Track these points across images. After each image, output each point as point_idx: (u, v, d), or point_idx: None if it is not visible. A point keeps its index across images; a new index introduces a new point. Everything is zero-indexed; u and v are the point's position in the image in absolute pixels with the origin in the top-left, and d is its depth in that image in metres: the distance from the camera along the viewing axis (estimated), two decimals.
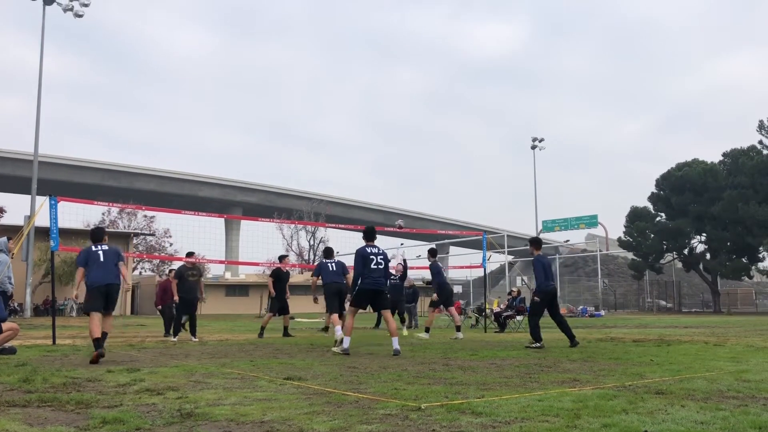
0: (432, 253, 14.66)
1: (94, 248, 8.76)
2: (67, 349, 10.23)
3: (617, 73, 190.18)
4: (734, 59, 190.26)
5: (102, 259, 8.65)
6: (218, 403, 4.70)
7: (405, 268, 16.87)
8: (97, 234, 9.09)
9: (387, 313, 9.66)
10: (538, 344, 10.21)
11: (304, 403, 4.67)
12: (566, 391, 5.24)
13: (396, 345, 8.99)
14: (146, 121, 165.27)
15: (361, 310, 9.85)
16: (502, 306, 18.61)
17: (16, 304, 35.27)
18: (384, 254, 9.71)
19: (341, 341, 9.33)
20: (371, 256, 9.48)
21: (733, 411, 4.27)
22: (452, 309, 14.50)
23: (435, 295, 14.10)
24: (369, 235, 9.88)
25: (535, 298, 10.71)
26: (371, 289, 9.38)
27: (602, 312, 44.45)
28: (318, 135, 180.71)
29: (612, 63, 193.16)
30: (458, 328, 13.86)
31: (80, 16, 35.60)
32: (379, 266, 9.50)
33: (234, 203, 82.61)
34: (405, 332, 15.36)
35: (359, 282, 9.36)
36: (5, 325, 7.26)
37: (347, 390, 5.36)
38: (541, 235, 59.17)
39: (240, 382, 5.89)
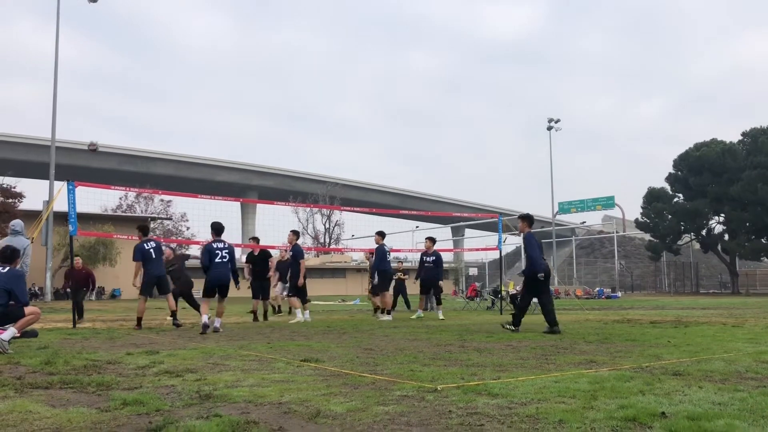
0: (380, 234, 14.78)
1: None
2: (87, 332, 10.36)
3: (634, 54, 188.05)
4: (754, 38, 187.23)
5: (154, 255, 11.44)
6: (236, 384, 4.75)
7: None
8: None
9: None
10: (515, 328, 9.82)
11: (322, 385, 4.71)
12: (583, 372, 5.23)
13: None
14: (163, 107, 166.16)
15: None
16: (518, 288, 18.58)
17: (36, 288, 35.78)
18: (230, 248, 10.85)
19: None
20: (216, 251, 10.63)
21: (752, 392, 4.24)
22: (387, 294, 14.68)
23: (375, 280, 14.47)
24: (218, 231, 10.95)
25: (540, 276, 9.97)
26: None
27: (619, 293, 44.30)
28: (333, 119, 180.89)
29: (629, 44, 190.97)
30: (383, 311, 14.28)
31: (94, 1, 35.66)
32: (223, 260, 10.62)
33: (251, 187, 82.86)
34: (422, 315, 15.41)
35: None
36: (27, 309, 7.36)
37: (364, 372, 5.39)
38: (558, 217, 58.96)
39: (258, 364, 5.94)
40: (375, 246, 14.82)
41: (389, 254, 14.88)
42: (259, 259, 14.34)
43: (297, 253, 13.35)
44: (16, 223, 10.31)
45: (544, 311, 9.87)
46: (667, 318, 13.51)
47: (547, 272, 10.12)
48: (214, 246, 10.68)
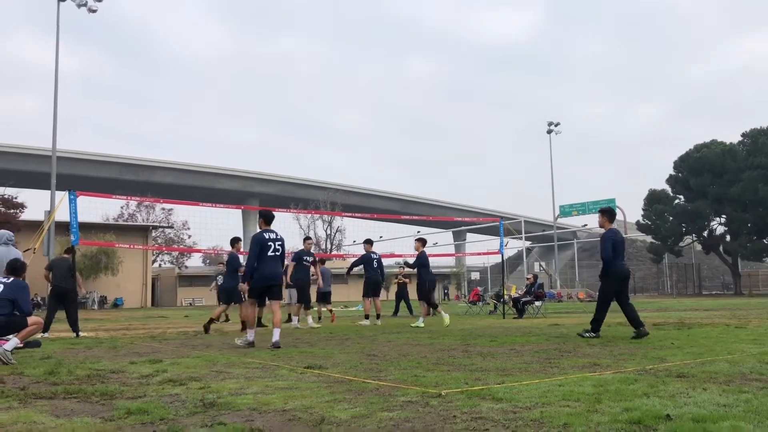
0: (368, 242, 15.20)
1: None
2: (90, 341, 10.36)
3: (632, 58, 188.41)
4: (751, 40, 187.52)
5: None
6: (240, 392, 4.75)
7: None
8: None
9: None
10: (594, 334, 8.96)
11: (325, 392, 4.70)
12: (586, 375, 5.23)
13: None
14: (162, 116, 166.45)
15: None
16: (520, 292, 18.57)
17: (39, 298, 35.76)
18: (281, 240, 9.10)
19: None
20: (269, 242, 8.89)
21: (756, 393, 4.24)
22: (377, 300, 14.83)
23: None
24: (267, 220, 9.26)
25: (604, 279, 9.23)
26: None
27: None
28: (333, 126, 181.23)
29: (627, 48, 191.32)
30: (373, 317, 14.39)
31: (94, 11, 35.65)
32: (276, 253, 8.91)
33: (252, 194, 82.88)
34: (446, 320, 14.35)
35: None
36: (30, 320, 7.37)
37: (367, 378, 5.38)
38: (559, 220, 58.91)
39: (261, 372, 5.94)
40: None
41: (375, 262, 14.92)
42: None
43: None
44: (5, 233, 9.70)
45: (629, 317, 9.00)
46: (670, 320, 13.49)
47: (619, 274, 9.20)
48: (266, 236, 8.90)
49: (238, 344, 8.92)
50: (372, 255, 14.89)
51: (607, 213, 9.58)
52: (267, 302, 9.60)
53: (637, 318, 8.93)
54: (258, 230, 9.23)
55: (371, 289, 14.78)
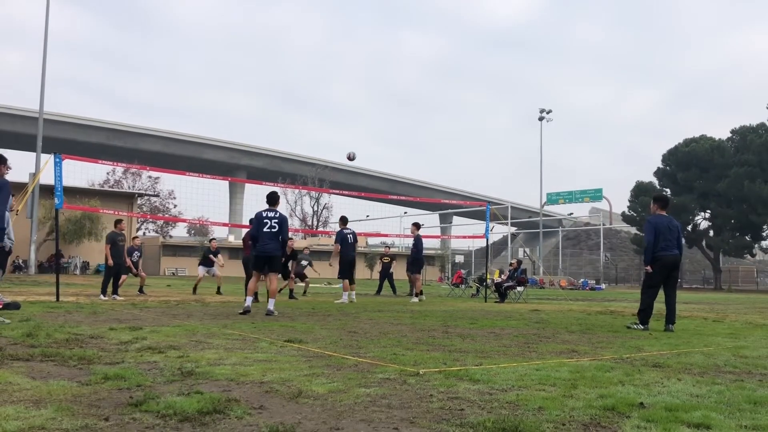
0: (342, 220, 15.39)
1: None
2: (71, 306, 10.32)
3: (630, 46, 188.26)
4: (749, 34, 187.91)
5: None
6: (219, 362, 4.75)
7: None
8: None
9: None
10: (642, 326, 8.48)
11: (304, 366, 4.72)
12: (564, 361, 5.27)
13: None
14: (152, 82, 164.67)
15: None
16: (503, 276, 18.68)
17: (20, 261, 35.54)
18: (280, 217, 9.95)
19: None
20: (265, 220, 9.84)
21: (729, 386, 4.30)
22: (346, 282, 14.85)
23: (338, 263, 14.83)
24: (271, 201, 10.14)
25: (647, 268, 8.70)
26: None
27: (603, 285, 44.60)
28: (324, 101, 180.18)
29: (625, 35, 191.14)
30: (350, 294, 14.52)
31: None
32: (272, 230, 9.79)
33: (239, 167, 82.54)
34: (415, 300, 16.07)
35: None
36: None
37: (347, 354, 5.40)
38: (546, 207, 59.17)
39: (241, 343, 5.94)
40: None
41: (351, 237, 15.15)
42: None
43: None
44: None
45: (668, 305, 8.68)
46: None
47: (667, 263, 8.65)
48: (264, 214, 9.92)
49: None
50: (345, 231, 15.02)
51: (659, 200, 9.16)
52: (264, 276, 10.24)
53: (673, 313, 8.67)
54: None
55: (347, 269, 14.77)
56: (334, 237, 16.00)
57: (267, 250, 9.80)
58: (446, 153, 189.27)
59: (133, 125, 75.61)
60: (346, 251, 14.82)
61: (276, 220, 9.81)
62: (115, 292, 13.24)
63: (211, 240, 22.24)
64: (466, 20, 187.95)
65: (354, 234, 15.30)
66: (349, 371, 4.53)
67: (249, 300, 9.90)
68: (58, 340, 5.74)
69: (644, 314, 8.58)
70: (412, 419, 3.19)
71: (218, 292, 16.69)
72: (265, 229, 9.76)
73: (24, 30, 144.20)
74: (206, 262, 17.49)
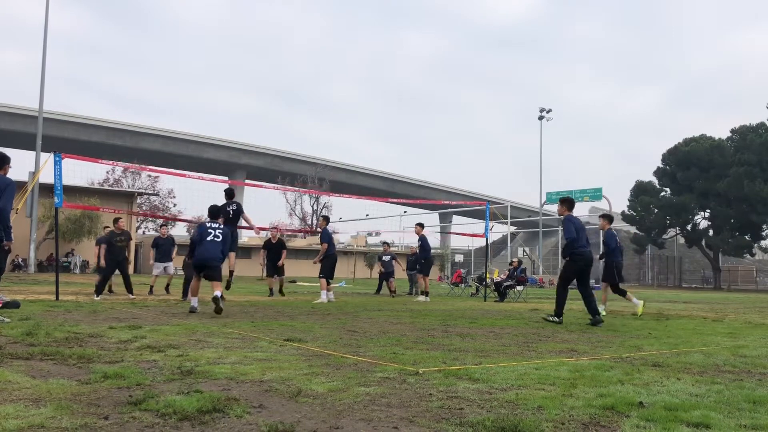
0: (324, 218, 15.43)
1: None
2: (70, 305, 10.31)
3: (630, 45, 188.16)
4: (750, 33, 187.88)
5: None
6: (218, 361, 4.75)
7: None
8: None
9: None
10: (557, 319, 9.17)
11: (304, 365, 4.72)
12: (563, 360, 5.27)
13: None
14: (152, 80, 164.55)
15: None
16: (502, 276, 18.68)
17: (20, 259, 35.52)
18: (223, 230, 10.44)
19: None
20: (209, 230, 10.29)
21: (728, 385, 4.30)
22: (324, 281, 14.62)
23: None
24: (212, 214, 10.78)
25: (567, 259, 9.36)
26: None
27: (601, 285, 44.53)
28: (324, 100, 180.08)
29: (625, 34, 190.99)
30: (327, 294, 14.30)
31: None
32: (216, 240, 10.22)
33: (239, 166, 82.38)
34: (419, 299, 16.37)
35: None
36: None
37: (346, 353, 5.40)
38: (546, 207, 59.14)
39: (240, 342, 5.94)
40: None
41: (333, 235, 15.27)
42: (276, 246, 16.25)
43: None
44: None
45: (587, 302, 9.33)
46: (648, 310, 13.63)
47: (588, 259, 9.43)
48: (207, 225, 10.43)
49: None
50: (328, 230, 14.92)
51: (566, 202, 9.95)
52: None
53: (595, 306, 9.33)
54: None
55: (331, 269, 14.52)
56: (342, 236, 16.08)
57: (205, 257, 10.09)
58: (446, 152, 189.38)
59: (133, 124, 75.45)
60: (333, 251, 14.74)
61: (220, 231, 10.34)
62: (109, 290, 13.22)
63: (161, 226, 18.83)
64: (466, 19, 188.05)
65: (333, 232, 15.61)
66: (348, 370, 4.53)
67: (195, 300, 10.13)
68: (57, 338, 5.74)
69: (561, 308, 9.27)
70: (412, 418, 3.20)
71: (167, 290, 15.72)
72: (207, 239, 10.21)
73: (24, 28, 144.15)
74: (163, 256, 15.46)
